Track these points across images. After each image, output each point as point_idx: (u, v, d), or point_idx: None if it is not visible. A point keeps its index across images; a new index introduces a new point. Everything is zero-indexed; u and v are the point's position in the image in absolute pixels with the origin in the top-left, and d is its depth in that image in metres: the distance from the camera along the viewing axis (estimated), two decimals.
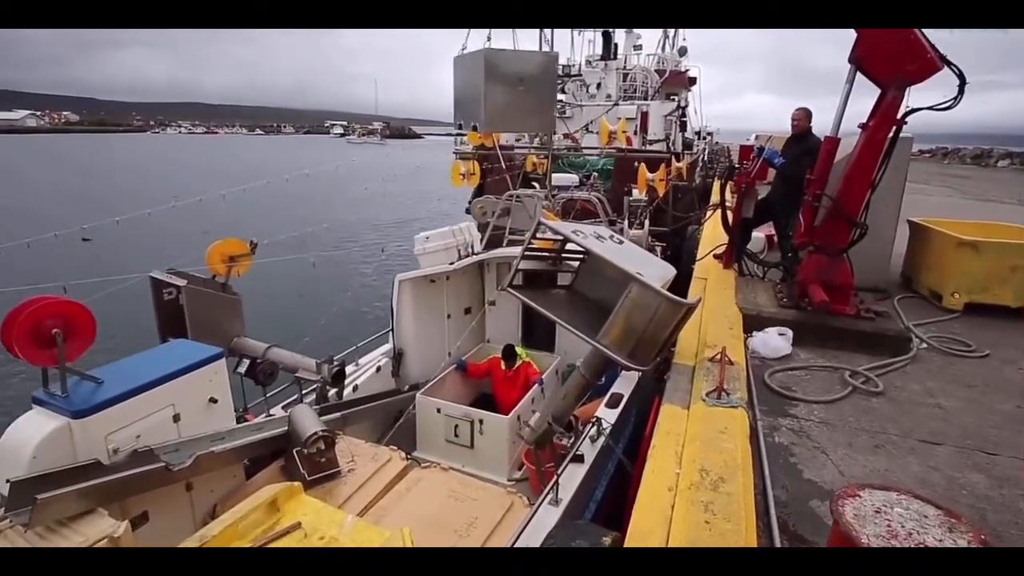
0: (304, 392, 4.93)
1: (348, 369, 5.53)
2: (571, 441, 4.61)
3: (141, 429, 3.26)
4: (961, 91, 4.06)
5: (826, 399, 3.55)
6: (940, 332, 4.74)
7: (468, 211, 10.81)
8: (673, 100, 22.69)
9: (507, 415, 5.46)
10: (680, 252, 9.23)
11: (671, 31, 27.39)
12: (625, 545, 2.16)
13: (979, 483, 2.74)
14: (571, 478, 4.16)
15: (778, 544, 2.31)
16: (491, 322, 7.86)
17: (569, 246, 4.88)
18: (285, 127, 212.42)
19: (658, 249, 8.63)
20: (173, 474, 3.20)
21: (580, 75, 21.66)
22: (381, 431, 5.75)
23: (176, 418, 3.45)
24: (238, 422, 4.10)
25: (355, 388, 5.60)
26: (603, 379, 4.89)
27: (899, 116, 4.33)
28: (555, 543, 2.45)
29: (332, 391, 4.96)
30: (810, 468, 2.87)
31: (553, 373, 6.47)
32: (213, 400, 3.65)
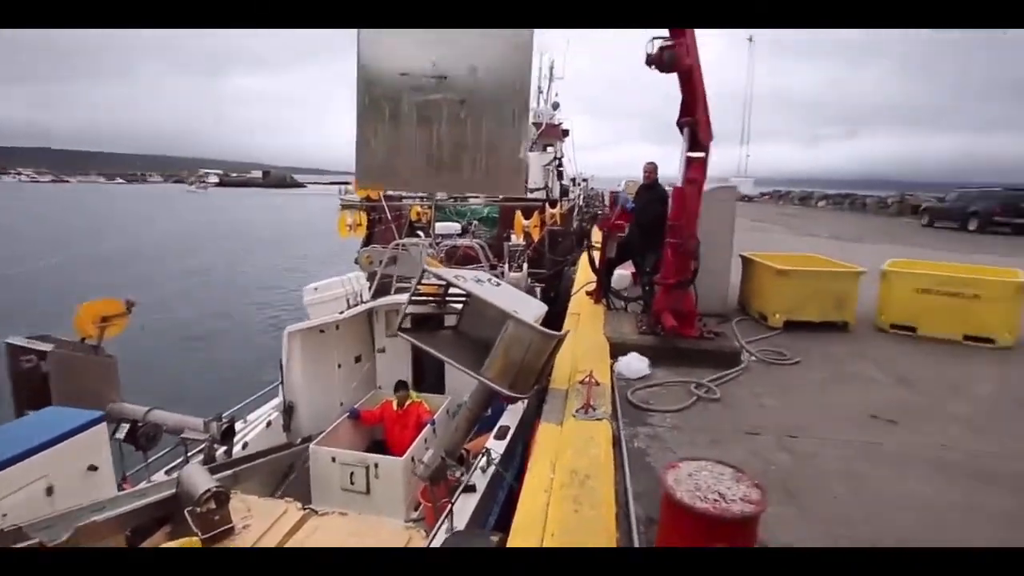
0: (190, 453, 4.80)
1: (236, 427, 5.45)
2: (463, 473, 4.93)
3: (7, 506, 3.10)
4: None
5: (676, 408, 4.23)
6: (766, 346, 5.75)
7: (357, 261, 10.97)
8: (550, 151, 24.53)
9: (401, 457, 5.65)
10: (559, 291, 10.06)
11: (544, 87, 29.82)
12: (509, 539, 2.54)
13: (785, 460, 3.49)
14: (464, 508, 4.47)
15: (634, 526, 2.81)
16: (382, 369, 8.01)
17: (452, 290, 5.33)
18: (151, 175, 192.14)
19: (538, 289, 9.37)
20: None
21: None
22: (274, 486, 5.67)
23: (49, 491, 3.31)
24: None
25: (245, 445, 5.50)
26: (490, 411, 5.31)
27: None
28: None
29: (221, 450, 4.88)
30: (662, 464, 3.45)
31: (444, 413, 6.76)
32: (93, 468, 3.54)
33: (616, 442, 3.59)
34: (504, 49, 3.18)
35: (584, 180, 36.64)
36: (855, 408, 4.30)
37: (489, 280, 5.20)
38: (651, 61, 5.16)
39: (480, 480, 4.89)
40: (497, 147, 3.14)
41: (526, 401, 4.97)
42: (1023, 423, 4.10)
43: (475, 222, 12.29)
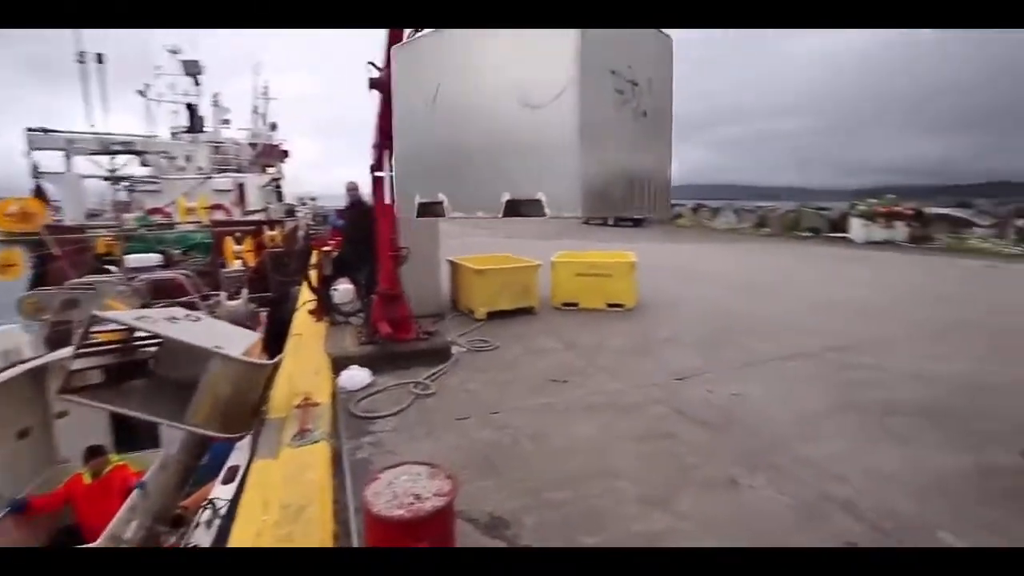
0: None
1: None
2: (180, 536, 4.03)
3: None
4: None
5: (396, 411, 4.15)
6: (474, 336, 6.13)
7: (19, 310, 8.12)
8: (271, 171, 22.30)
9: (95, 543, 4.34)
10: (286, 313, 9.13)
11: (261, 107, 26.93)
12: None
13: (487, 435, 3.72)
14: None
15: (354, 543, 2.61)
16: (66, 437, 6.08)
17: (140, 333, 4.29)
18: None
19: (263, 314, 8.33)
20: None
21: (164, 150, 19.06)
22: None
23: None
24: None
25: None
26: (206, 458, 4.46)
27: None
28: None
29: None
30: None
31: (158, 470, 5.47)
32: None
33: (337, 460, 3.32)
34: (655, 53, 2.42)
35: (312, 199, 34.41)
36: (539, 376, 4.87)
37: (186, 316, 4.33)
38: (375, 85, 4.95)
39: (204, 537, 4.06)
40: (657, 167, 2.53)
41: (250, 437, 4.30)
42: (639, 365, 5.20)
43: (179, 251, 10.28)
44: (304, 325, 6.32)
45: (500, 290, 6.92)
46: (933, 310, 7.42)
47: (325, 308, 6.32)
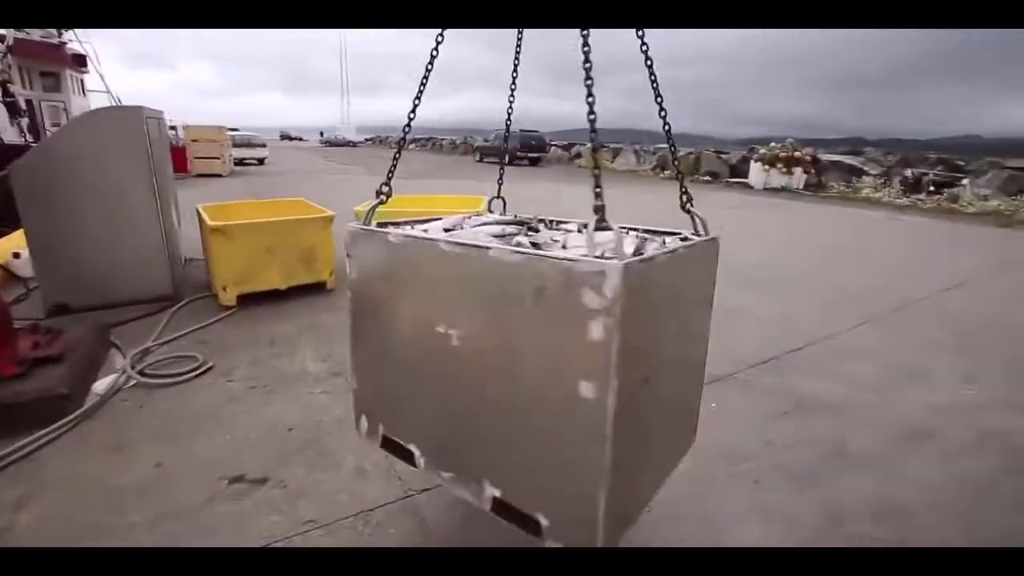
0: None
1: None
2: None
3: None
4: None
5: None
6: (185, 346, 3.47)
7: None
8: (52, 78, 16.97)
9: None
10: None
11: None
12: None
13: None
14: None
15: None
16: None
17: None
18: None
19: None
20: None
21: None
22: None
23: None
24: None
25: None
26: None
27: None
28: None
29: None
30: None
31: None
32: None
33: None
34: None
35: (172, 128, 27.85)
36: (228, 462, 2.38)
37: None
38: None
39: None
40: None
41: None
42: None
43: None
44: None
45: (262, 258, 4.20)
46: (872, 280, 5.87)
47: None
